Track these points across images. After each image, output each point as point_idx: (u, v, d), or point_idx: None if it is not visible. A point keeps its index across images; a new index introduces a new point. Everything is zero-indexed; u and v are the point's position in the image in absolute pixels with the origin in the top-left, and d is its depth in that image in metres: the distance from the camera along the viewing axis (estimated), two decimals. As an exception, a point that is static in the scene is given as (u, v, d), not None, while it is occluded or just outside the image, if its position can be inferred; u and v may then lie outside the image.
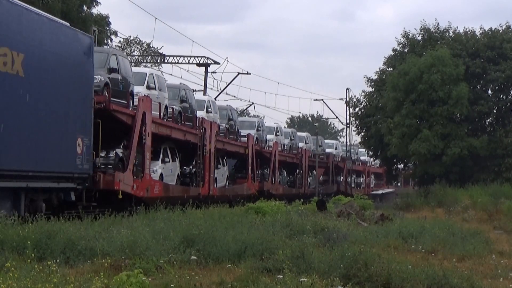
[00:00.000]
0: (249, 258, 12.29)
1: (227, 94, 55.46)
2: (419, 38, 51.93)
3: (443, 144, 45.21)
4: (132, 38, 64.40)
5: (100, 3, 44.88)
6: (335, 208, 27.01)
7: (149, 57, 57.72)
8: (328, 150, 62.31)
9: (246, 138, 39.89)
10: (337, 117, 78.11)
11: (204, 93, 45.57)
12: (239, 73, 53.22)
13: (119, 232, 13.35)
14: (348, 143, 68.46)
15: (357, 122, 56.49)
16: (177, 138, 29.50)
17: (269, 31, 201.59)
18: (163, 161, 28.70)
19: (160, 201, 20.67)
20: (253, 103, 58.48)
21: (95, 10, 45.42)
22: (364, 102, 55.27)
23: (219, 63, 50.02)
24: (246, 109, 55.45)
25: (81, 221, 15.84)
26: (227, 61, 53.39)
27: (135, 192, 24.41)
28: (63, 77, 19.72)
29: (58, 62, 19.56)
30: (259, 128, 44.12)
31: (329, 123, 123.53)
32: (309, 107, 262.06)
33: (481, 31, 50.55)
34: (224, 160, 37.87)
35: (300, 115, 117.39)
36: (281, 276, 9.97)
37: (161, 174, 27.99)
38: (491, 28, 50.47)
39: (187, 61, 48.74)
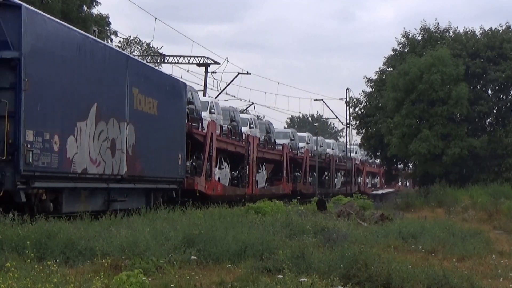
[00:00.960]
0: (249, 258, 12.29)
1: (227, 94, 55.59)
2: (419, 38, 51.95)
3: (443, 144, 45.22)
4: (132, 38, 64.49)
5: (100, 3, 44.87)
6: (335, 208, 27.00)
7: (149, 57, 57.72)
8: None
9: (281, 147, 48.18)
10: (337, 117, 78.26)
11: (204, 94, 45.59)
12: (239, 73, 53.27)
13: (119, 232, 13.35)
14: (348, 143, 68.50)
15: (357, 122, 56.52)
16: (230, 150, 38.04)
17: (269, 31, 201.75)
18: (220, 168, 36.56)
19: (220, 198, 29.21)
20: (253, 103, 58.57)
21: (95, 10, 45.42)
22: (364, 102, 55.30)
23: (219, 63, 50.08)
24: (246, 109, 55.41)
25: (81, 220, 15.84)
26: (227, 61, 53.60)
27: (206, 191, 32.56)
28: (173, 113, 28.06)
29: (172, 103, 28.08)
30: (292, 138, 52.49)
31: (329, 123, 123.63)
32: (309, 107, 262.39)
33: (481, 31, 50.61)
34: (263, 165, 45.63)
35: (300, 115, 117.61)
36: (281, 276, 9.97)
37: (219, 178, 36.07)
38: (491, 28, 50.53)
39: (187, 61, 48.79)
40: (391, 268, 10.79)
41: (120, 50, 34.35)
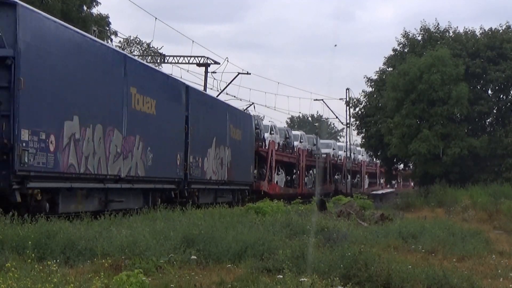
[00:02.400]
0: (249, 258, 12.29)
1: (227, 94, 55.48)
2: (419, 38, 51.95)
3: (443, 144, 45.23)
4: (132, 38, 64.43)
5: (100, 3, 44.85)
6: (335, 208, 27.00)
7: (149, 57, 57.69)
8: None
9: (325, 155, 60.01)
10: (337, 117, 78.17)
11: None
12: (239, 73, 53.18)
13: (119, 232, 13.35)
14: (348, 143, 68.58)
15: (357, 122, 56.51)
16: (284, 160, 50.21)
17: (269, 31, 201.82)
18: (277, 174, 48.27)
19: (278, 197, 34.75)
20: (253, 103, 58.60)
21: (95, 10, 45.41)
22: (364, 102, 55.30)
23: (219, 63, 50.01)
24: (246, 109, 55.36)
25: (81, 220, 15.84)
26: (227, 61, 53.52)
27: (268, 191, 43.28)
28: (251, 139, 40.51)
29: (250, 133, 40.40)
30: (334, 148, 65.94)
31: (329, 123, 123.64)
32: (309, 107, 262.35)
33: (481, 31, 50.61)
34: (311, 171, 58.08)
35: (300, 115, 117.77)
36: (281, 276, 9.97)
37: (277, 181, 47.83)
38: (491, 28, 50.54)
39: (187, 61, 48.73)
40: (391, 268, 10.79)
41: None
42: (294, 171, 53.01)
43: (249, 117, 41.69)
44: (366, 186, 75.11)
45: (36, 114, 17.55)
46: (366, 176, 76.89)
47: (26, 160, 16.78)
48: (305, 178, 55.03)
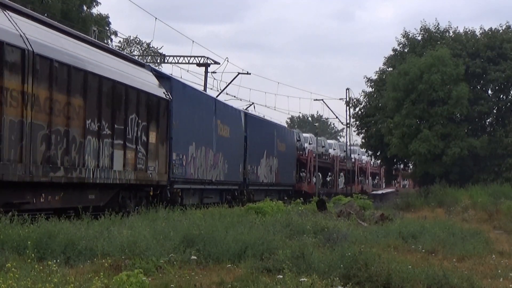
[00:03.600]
0: (249, 258, 12.28)
1: (227, 94, 55.62)
2: (419, 38, 51.95)
3: (443, 144, 45.22)
4: (132, 38, 64.56)
5: (100, 3, 44.93)
6: (335, 208, 27.00)
7: (149, 57, 57.71)
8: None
9: (353, 160, 69.25)
10: (337, 117, 78.39)
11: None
12: (239, 73, 53.29)
13: (119, 232, 13.35)
14: (348, 143, 68.65)
15: (357, 122, 56.51)
16: (320, 166, 59.60)
17: (268, 31, 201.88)
18: (315, 176, 57.84)
19: (314, 194, 46.62)
20: (253, 103, 58.75)
21: (95, 10, 45.48)
22: (364, 102, 55.29)
23: (219, 63, 50.10)
24: (246, 109, 55.47)
25: (81, 220, 15.84)
26: (227, 61, 53.63)
27: (308, 191, 52.52)
28: (293, 149, 51.34)
29: (292, 145, 51.14)
30: (359, 154, 73.35)
31: (329, 123, 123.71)
32: (309, 107, 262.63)
33: (481, 31, 50.60)
34: (342, 173, 68.57)
35: (300, 115, 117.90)
36: (281, 276, 9.97)
37: (315, 182, 57.45)
38: (491, 28, 50.54)
39: (187, 61, 48.79)
40: (391, 268, 10.79)
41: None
42: (329, 173, 65.83)
43: (291, 132, 53.87)
44: (383, 186, 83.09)
45: (179, 141, 28.12)
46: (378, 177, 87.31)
47: (176, 172, 27.66)
48: (338, 180, 66.98)
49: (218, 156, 33.64)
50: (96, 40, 25.36)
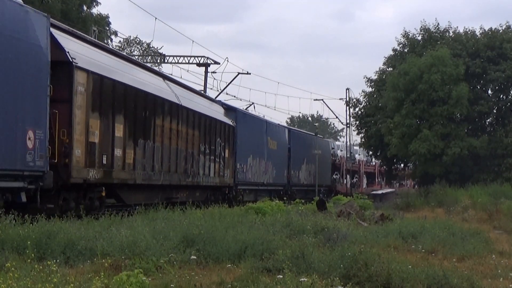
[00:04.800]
0: (249, 258, 12.27)
1: (227, 94, 55.71)
2: (419, 38, 51.96)
3: (443, 144, 45.22)
4: (132, 38, 64.49)
5: (100, 3, 44.91)
6: (335, 208, 26.99)
7: (149, 57, 57.70)
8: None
9: (374, 164, 79.59)
10: (337, 117, 78.52)
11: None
12: (239, 73, 53.27)
13: (119, 232, 13.34)
14: (348, 143, 68.69)
15: (357, 122, 56.51)
16: (349, 169, 70.60)
17: (268, 31, 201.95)
18: (346, 178, 68.56)
19: (346, 194, 54.74)
20: (253, 103, 58.79)
21: (95, 10, 45.47)
22: (364, 102, 55.29)
23: (219, 63, 50.09)
24: (246, 109, 55.50)
25: (81, 220, 15.85)
26: (227, 61, 53.55)
27: (341, 190, 61.75)
28: (329, 155, 61.07)
29: (328, 152, 61.78)
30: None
31: (329, 123, 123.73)
32: (309, 107, 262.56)
33: (481, 31, 50.62)
34: (364, 175, 78.78)
35: (300, 115, 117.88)
36: (281, 276, 9.96)
37: (346, 183, 67.03)
38: (491, 28, 50.55)
39: (187, 61, 48.77)
40: (391, 268, 10.78)
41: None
42: (356, 176, 75.12)
43: (327, 142, 63.60)
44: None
45: (241, 155, 37.35)
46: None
47: (239, 176, 36.90)
48: (364, 181, 77.90)
49: (268, 164, 43.42)
50: (194, 88, 35.73)
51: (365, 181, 79.13)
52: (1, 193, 16.05)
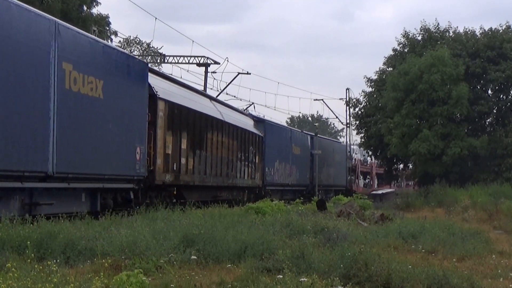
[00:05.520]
0: (249, 258, 12.27)
1: (227, 94, 55.69)
2: (419, 38, 51.95)
3: (443, 144, 45.21)
4: (132, 38, 64.44)
5: (100, 3, 44.84)
6: (335, 208, 26.98)
7: (149, 57, 57.68)
8: None
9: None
10: (337, 117, 78.47)
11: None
12: (239, 73, 53.28)
13: (119, 232, 13.34)
14: (348, 143, 68.69)
15: (357, 122, 56.50)
16: (362, 170, 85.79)
17: (268, 31, 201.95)
18: (360, 179, 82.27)
19: (361, 192, 54.67)
20: (253, 103, 58.80)
21: (95, 10, 45.40)
22: (364, 102, 55.29)
23: (219, 63, 50.09)
24: (246, 109, 55.48)
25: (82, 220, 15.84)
26: (227, 61, 53.63)
27: (356, 190, 64.98)
28: (345, 161, 65.60)
29: (345, 156, 66.48)
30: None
31: (329, 123, 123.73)
32: (309, 107, 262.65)
33: (481, 31, 50.62)
34: (376, 176, 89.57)
35: (300, 115, 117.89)
36: (281, 276, 9.96)
37: (361, 183, 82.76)
38: (491, 28, 50.55)
39: (187, 61, 48.76)
40: (391, 268, 10.78)
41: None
42: (368, 177, 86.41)
43: (344, 146, 67.07)
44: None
45: (269, 160, 42.52)
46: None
47: (267, 179, 42.08)
48: (375, 182, 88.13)
49: (293, 168, 48.36)
50: (231, 105, 42.28)
51: (376, 181, 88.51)
52: (120, 191, 22.37)
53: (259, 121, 43.66)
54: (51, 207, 17.94)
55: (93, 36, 22.85)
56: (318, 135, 56.00)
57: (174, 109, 26.65)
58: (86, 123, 19.36)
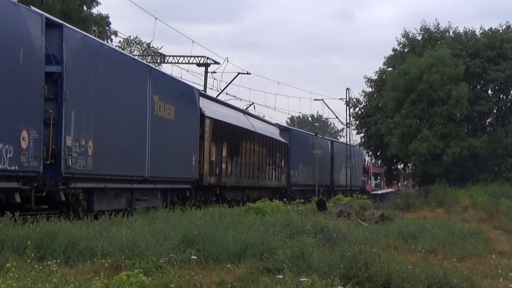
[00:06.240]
0: (249, 258, 12.27)
1: (227, 94, 55.70)
2: (419, 38, 51.95)
3: (443, 144, 45.21)
4: (132, 38, 64.41)
5: (100, 3, 44.86)
6: (335, 208, 26.97)
7: (149, 57, 57.66)
8: None
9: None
10: (337, 117, 78.57)
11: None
12: (239, 73, 53.26)
13: (119, 232, 13.33)
14: (348, 143, 68.65)
15: (357, 122, 56.50)
16: (375, 172, 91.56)
17: (268, 31, 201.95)
18: (371, 179, 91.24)
19: (373, 191, 73.08)
20: (253, 103, 58.82)
21: (95, 10, 45.42)
22: (364, 102, 55.28)
23: (219, 63, 50.08)
24: (246, 109, 55.47)
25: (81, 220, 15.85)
26: (227, 61, 53.58)
27: (369, 190, 74.39)
28: (361, 164, 75.12)
29: (360, 159, 75.65)
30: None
31: (329, 123, 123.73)
32: (309, 107, 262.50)
33: (481, 31, 50.63)
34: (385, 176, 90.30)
35: (300, 115, 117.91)
36: (281, 276, 9.95)
37: (372, 183, 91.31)
38: (491, 28, 50.57)
39: (187, 61, 48.76)
40: (391, 268, 10.77)
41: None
42: (379, 177, 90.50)
43: (360, 150, 70.22)
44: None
45: (293, 164, 48.00)
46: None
47: (292, 180, 47.97)
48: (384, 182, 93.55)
49: (315, 170, 51.67)
50: (260, 117, 48.47)
51: (374, 182, 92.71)
52: (181, 191, 28.23)
53: (284, 130, 49.57)
54: (145, 202, 24.06)
55: (169, 74, 30.82)
56: (338, 141, 62.52)
57: (217, 124, 32.69)
58: (164, 139, 25.45)
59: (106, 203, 21.52)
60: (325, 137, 63.83)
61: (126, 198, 23.15)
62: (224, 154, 33.43)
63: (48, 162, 17.70)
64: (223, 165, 33.34)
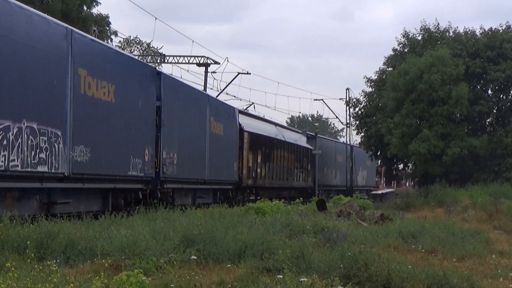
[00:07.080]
0: (249, 258, 12.27)
1: (227, 94, 55.77)
2: (419, 38, 51.92)
3: (443, 144, 45.20)
4: (132, 38, 64.43)
5: (100, 3, 44.89)
6: (335, 208, 26.97)
7: (149, 57, 57.65)
8: None
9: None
10: (337, 117, 78.42)
11: (205, 93, 45.83)
12: (239, 73, 53.24)
13: (119, 232, 13.33)
14: (348, 143, 68.70)
15: (357, 122, 56.48)
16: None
17: (268, 31, 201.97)
18: (382, 179, 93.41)
19: (382, 190, 66.09)
20: (253, 103, 58.90)
21: (95, 10, 45.45)
22: (364, 102, 55.26)
23: (219, 63, 50.03)
24: (246, 109, 55.49)
25: (81, 220, 15.85)
26: (227, 61, 53.62)
27: (381, 188, 76.74)
28: (374, 165, 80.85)
29: (373, 161, 74.19)
30: None
31: (329, 123, 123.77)
32: (309, 107, 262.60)
33: (481, 31, 50.58)
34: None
35: (300, 115, 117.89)
36: (281, 276, 9.96)
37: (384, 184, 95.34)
38: (491, 28, 50.52)
39: (187, 61, 48.72)
40: (391, 268, 10.77)
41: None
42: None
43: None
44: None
45: (318, 167, 56.26)
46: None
47: (317, 181, 56.21)
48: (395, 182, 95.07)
49: (337, 172, 61.99)
50: (290, 127, 53.47)
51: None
52: (225, 191, 34.66)
53: (311, 137, 57.45)
54: (204, 199, 31.03)
55: (219, 100, 37.26)
56: (354, 145, 67.96)
57: (253, 136, 39.53)
58: (217, 150, 32.02)
59: (180, 199, 28.44)
60: (345, 142, 70.62)
61: (191, 196, 30.03)
62: (259, 160, 40.68)
63: (156, 170, 24.93)
64: (258, 170, 40.47)
